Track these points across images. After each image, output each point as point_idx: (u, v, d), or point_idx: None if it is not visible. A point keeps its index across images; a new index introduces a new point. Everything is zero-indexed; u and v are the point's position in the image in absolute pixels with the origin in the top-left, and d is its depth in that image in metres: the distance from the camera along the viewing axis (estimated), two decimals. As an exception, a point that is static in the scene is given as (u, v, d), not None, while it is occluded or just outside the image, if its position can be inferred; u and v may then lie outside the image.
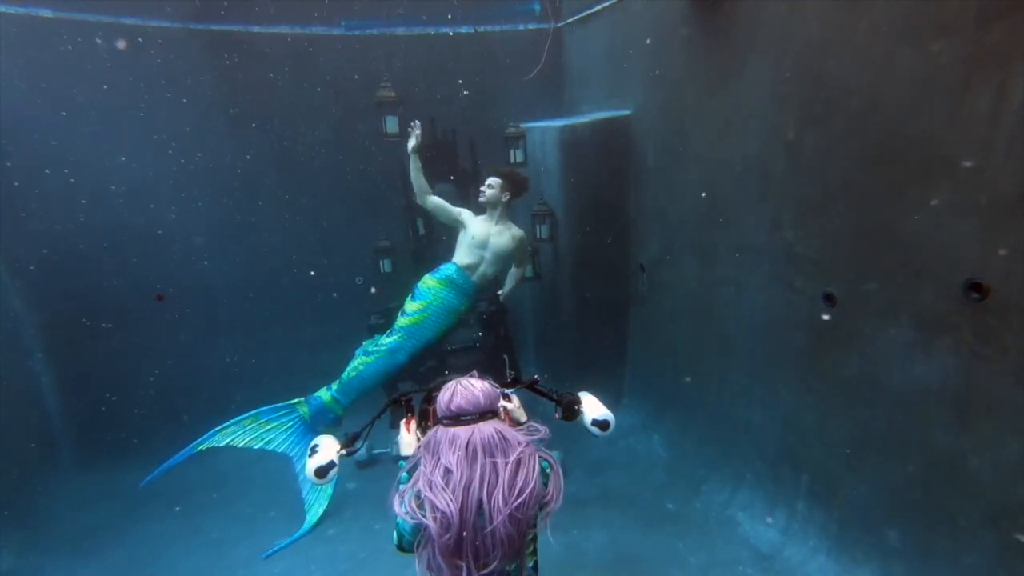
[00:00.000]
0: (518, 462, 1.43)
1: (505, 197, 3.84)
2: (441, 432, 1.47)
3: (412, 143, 3.77)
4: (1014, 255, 1.96)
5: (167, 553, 3.45)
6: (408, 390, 1.90)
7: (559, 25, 5.12)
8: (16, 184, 3.94)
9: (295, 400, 3.63)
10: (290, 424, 3.59)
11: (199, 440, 3.37)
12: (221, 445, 3.41)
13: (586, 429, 1.90)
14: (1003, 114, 1.94)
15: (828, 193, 2.63)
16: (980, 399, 2.14)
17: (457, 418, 1.47)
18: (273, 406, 3.55)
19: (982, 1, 1.96)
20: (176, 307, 4.59)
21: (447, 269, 3.86)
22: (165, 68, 4.35)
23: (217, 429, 3.40)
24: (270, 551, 3.37)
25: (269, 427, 3.52)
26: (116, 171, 4.27)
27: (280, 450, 3.55)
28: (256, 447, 3.47)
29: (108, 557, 3.43)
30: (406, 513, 1.40)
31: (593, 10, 4.56)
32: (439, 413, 1.51)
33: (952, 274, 2.15)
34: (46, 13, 3.91)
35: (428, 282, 3.82)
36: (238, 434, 3.43)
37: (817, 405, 2.86)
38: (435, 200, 3.92)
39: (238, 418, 3.44)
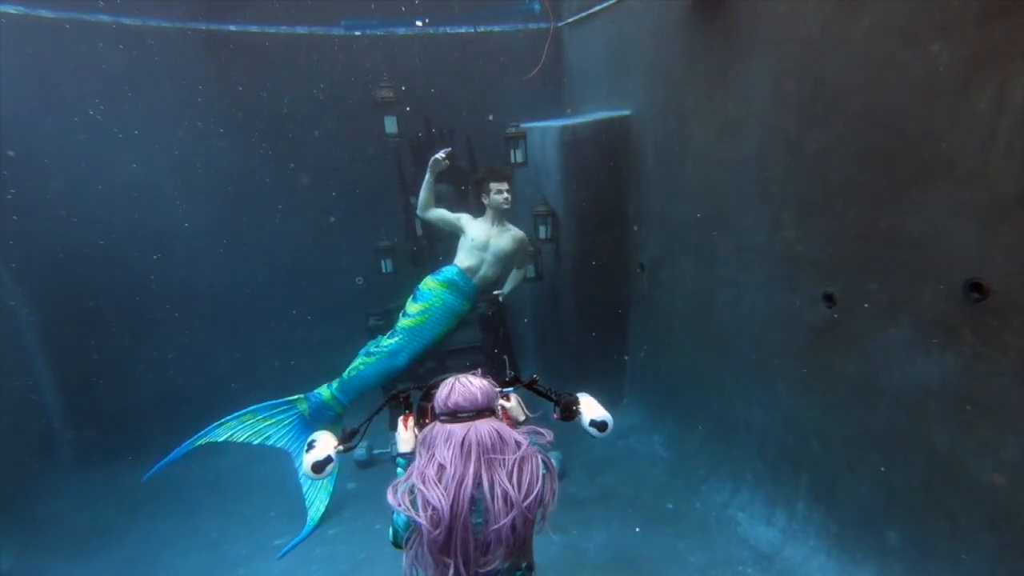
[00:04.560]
0: (522, 460, 1.43)
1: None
2: (438, 428, 1.47)
3: (437, 156, 3.72)
4: (1014, 255, 1.96)
5: (167, 553, 3.45)
6: (406, 387, 1.89)
7: (559, 25, 5.12)
8: (16, 184, 3.93)
9: (295, 396, 3.63)
10: (289, 420, 3.59)
11: (199, 434, 3.38)
12: (220, 440, 3.41)
13: (584, 430, 1.90)
14: (1003, 114, 1.94)
15: (828, 193, 2.63)
16: (980, 399, 2.14)
17: (454, 415, 1.47)
18: (273, 402, 3.55)
19: (982, 1, 1.96)
20: (176, 307, 4.60)
21: (449, 271, 3.86)
22: (165, 68, 4.34)
23: (217, 424, 3.40)
24: (284, 550, 3.39)
25: (268, 423, 3.52)
26: (116, 171, 4.26)
27: (279, 446, 3.55)
28: (255, 443, 3.48)
29: (108, 557, 3.43)
30: (399, 505, 1.40)
31: (593, 10, 4.56)
32: (436, 409, 1.52)
33: (952, 274, 2.15)
34: (46, 13, 3.91)
35: (429, 283, 3.83)
36: (237, 429, 3.44)
37: (817, 405, 2.86)
38: (437, 212, 3.95)
39: (238, 413, 3.45)
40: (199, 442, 3.37)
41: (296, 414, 3.62)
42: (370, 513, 3.62)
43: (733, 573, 2.94)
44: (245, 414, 3.47)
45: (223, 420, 3.42)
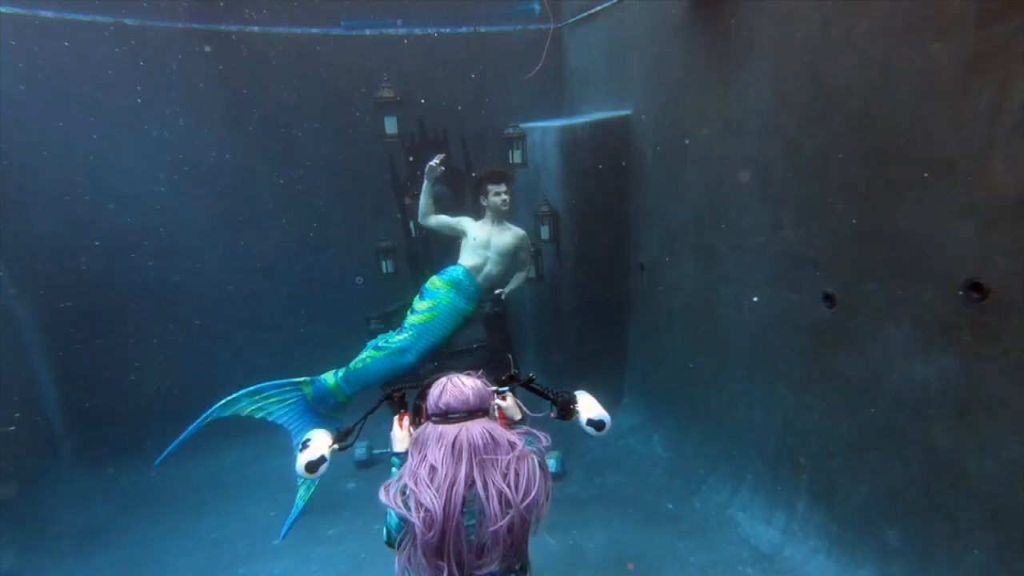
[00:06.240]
0: (517, 460, 1.42)
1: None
2: (430, 429, 1.47)
3: (432, 163, 3.77)
4: (1014, 255, 1.96)
5: (167, 552, 3.45)
6: (401, 386, 1.88)
7: (559, 25, 5.13)
8: (16, 184, 3.94)
9: (301, 379, 3.64)
10: (292, 400, 3.60)
11: (208, 412, 3.35)
12: (227, 415, 3.41)
13: (582, 429, 1.88)
14: (1003, 114, 1.94)
15: (828, 193, 2.63)
16: (980, 399, 2.14)
17: (445, 415, 1.46)
18: (278, 381, 3.56)
19: (982, 1, 1.96)
20: (176, 306, 4.60)
21: (454, 271, 3.87)
22: (165, 68, 4.35)
23: (224, 401, 3.40)
24: (284, 530, 3.41)
25: (272, 400, 3.54)
26: (116, 171, 4.27)
27: (280, 423, 3.56)
28: (258, 416, 3.48)
29: (108, 557, 3.43)
30: (393, 502, 1.39)
31: (593, 10, 4.56)
32: (428, 410, 1.51)
33: (952, 274, 2.15)
34: (46, 13, 3.91)
35: (436, 283, 3.85)
36: (242, 404, 3.45)
37: (817, 405, 2.86)
38: (438, 219, 3.99)
39: (244, 390, 3.45)
40: (208, 420, 3.37)
41: (300, 396, 3.64)
42: (370, 513, 3.61)
43: (733, 573, 2.93)
44: (252, 391, 3.48)
45: (230, 397, 3.42)
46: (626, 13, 4.19)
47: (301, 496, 3.62)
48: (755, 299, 3.17)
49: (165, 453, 3.35)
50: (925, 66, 2.14)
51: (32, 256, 4.09)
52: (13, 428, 3.77)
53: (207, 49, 4.48)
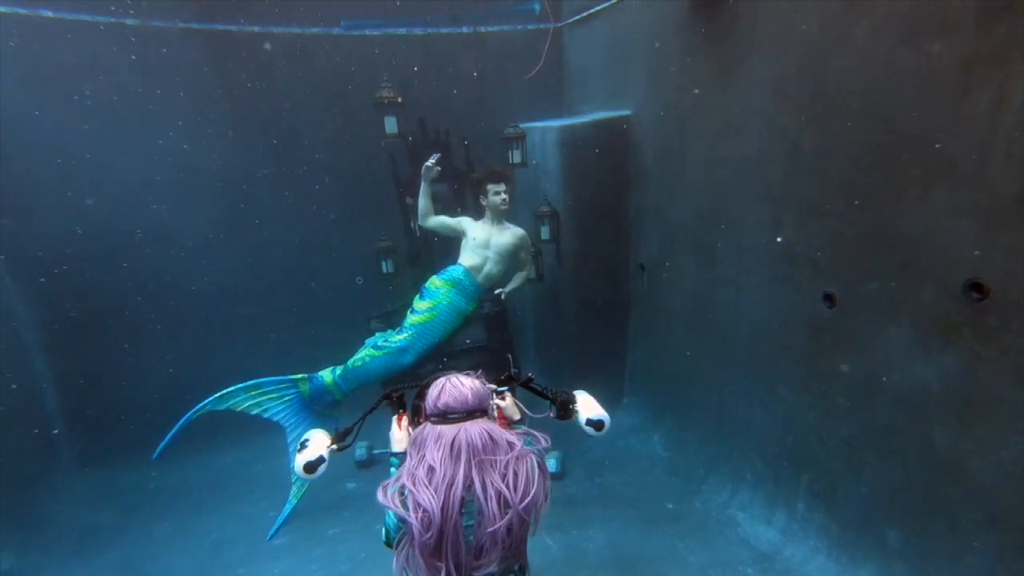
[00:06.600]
0: (516, 461, 1.42)
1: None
2: (428, 429, 1.46)
3: (428, 163, 3.79)
4: (1014, 255, 1.96)
5: (167, 553, 3.45)
6: (400, 386, 1.88)
7: (559, 25, 5.12)
8: (16, 184, 3.94)
9: (298, 376, 3.64)
10: (289, 397, 3.61)
11: (204, 402, 3.36)
12: (221, 408, 3.41)
13: (581, 429, 1.88)
14: (1003, 114, 1.94)
15: (828, 193, 2.63)
16: (980, 399, 2.14)
17: (444, 416, 1.46)
18: (275, 378, 3.56)
19: (982, 1, 1.96)
20: (176, 307, 4.60)
21: (454, 271, 3.87)
22: (165, 68, 4.35)
23: (218, 394, 3.40)
24: (273, 530, 3.44)
25: (268, 396, 3.54)
26: (116, 171, 4.26)
27: (275, 419, 3.57)
28: (254, 413, 3.49)
29: (108, 557, 3.43)
30: (391, 502, 1.39)
31: (593, 10, 4.56)
32: (427, 410, 1.51)
33: (952, 274, 2.15)
34: (46, 13, 3.91)
35: (436, 282, 3.85)
36: (238, 398, 3.45)
37: (817, 405, 2.86)
38: (438, 219, 4.01)
39: (242, 384, 3.46)
40: (202, 411, 3.36)
41: (296, 393, 3.64)
42: (370, 513, 3.62)
43: (733, 573, 2.94)
44: (247, 386, 3.48)
45: (227, 390, 3.42)
46: (626, 13, 4.19)
47: (294, 494, 3.63)
48: (759, 301, 3.17)
49: (162, 445, 3.36)
50: (925, 66, 2.15)
51: (32, 256, 4.09)
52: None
53: (207, 49, 4.47)
